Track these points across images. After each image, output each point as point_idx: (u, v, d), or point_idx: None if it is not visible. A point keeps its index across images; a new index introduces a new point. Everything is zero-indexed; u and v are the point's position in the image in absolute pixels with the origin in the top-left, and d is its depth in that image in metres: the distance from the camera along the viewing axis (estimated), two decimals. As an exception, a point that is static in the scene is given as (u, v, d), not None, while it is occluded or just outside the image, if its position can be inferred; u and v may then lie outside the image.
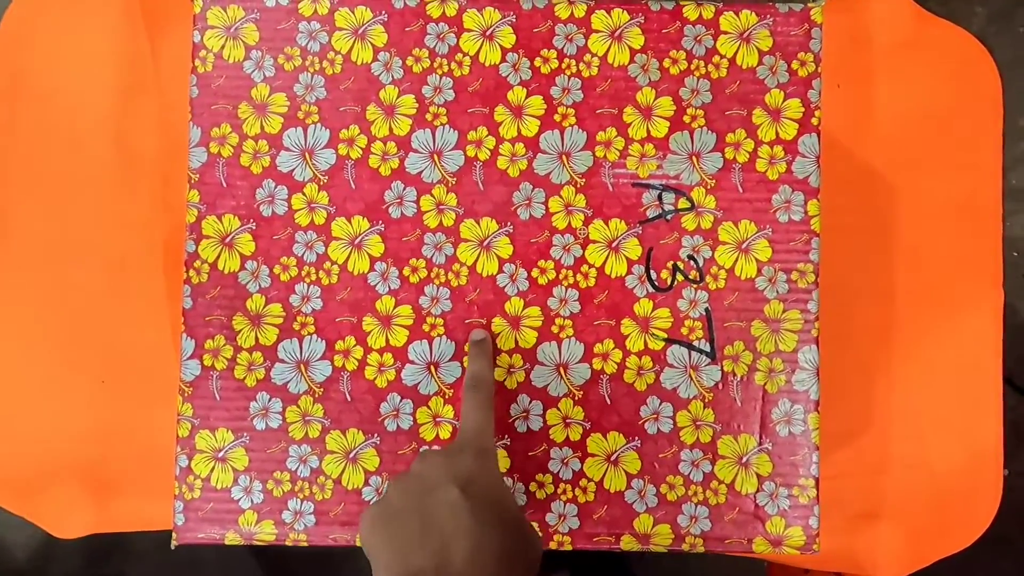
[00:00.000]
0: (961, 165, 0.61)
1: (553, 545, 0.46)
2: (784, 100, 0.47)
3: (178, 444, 0.46)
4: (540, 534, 0.45)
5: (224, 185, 0.47)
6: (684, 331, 0.46)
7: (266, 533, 0.46)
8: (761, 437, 0.46)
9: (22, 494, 0.59)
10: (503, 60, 0.47)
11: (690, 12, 0.47)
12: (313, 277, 0.47)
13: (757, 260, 0.46)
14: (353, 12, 0.47)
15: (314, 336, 0.46)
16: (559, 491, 0.46)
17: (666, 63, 0.47)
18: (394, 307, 0.46)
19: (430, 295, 0.46)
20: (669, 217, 0.47)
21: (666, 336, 0.46)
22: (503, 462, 0.46)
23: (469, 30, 0.47)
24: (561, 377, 0.46)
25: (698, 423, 0.46)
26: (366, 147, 0.47)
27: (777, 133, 0.47)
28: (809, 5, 0.47)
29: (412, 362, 0.46)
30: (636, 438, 0.46)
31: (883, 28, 0.61)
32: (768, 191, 0.47)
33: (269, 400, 0.46)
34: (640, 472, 0.46)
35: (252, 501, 0.46)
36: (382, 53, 0.47)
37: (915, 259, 0.60)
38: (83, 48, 0.59)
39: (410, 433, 0.46)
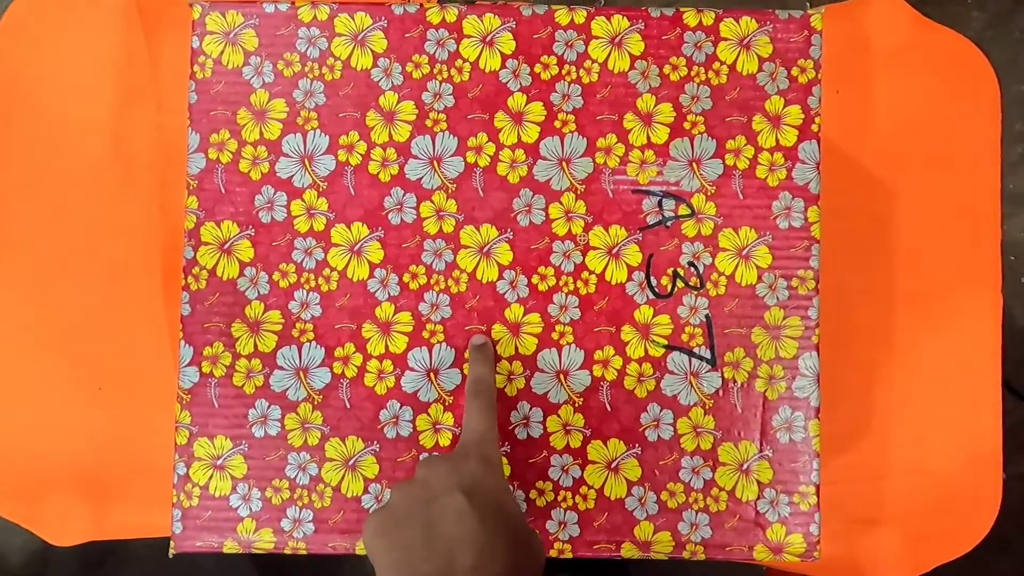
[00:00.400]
0: (959, 170, 0.61)
1: (553, 553, 0.46)
2: (784, 107, 0.47)
3: (176, 451, 0.46)
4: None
5: (223, 191, 0.47)
6: (684, 338, 0.46)
7: (265, 541, 0.46)
8: (762, 444, 0.46)
9: (20, 501, 0.58)
10: (503, 66, 0.47)
11: (690, 18, 0.47)
12: (312, 284, 0.46)
13: (757, 267, 0.46)
14: (353, 18, 0.47)
15: (313, 343, 0.46)
16: (559, 498, 0.46)
17: (666, 69, 0.47)
18: (394, 314, 0.46)
19: (430, 302, 0.46)
20: (669, 223, 0.47)
21: (666, 343, 0.46)
22: (503, 469, 0.46)
23: (469, 36, 0.47)
24: (561, 384, 0.46)
25: (699, 430, 0.46)
26: (366, 153, 0.47)
27: (777, 139, 0.47)
28: (809, 12, 0.47)
29: (412, 369, 0.46)
30: (636, 445, 0.46)
31: (881, 34, 0.61)
32: (768, 197, 0.46)
33: (268, 407, 0.46)
34: (640, 479, 0.46)
35: (251, 509, 0.46)
36: (382, 59, 0.47)
37: (914, 263, 0.60)
38: (81, 53, 0.59)
39: (410, 440, 0.46)
